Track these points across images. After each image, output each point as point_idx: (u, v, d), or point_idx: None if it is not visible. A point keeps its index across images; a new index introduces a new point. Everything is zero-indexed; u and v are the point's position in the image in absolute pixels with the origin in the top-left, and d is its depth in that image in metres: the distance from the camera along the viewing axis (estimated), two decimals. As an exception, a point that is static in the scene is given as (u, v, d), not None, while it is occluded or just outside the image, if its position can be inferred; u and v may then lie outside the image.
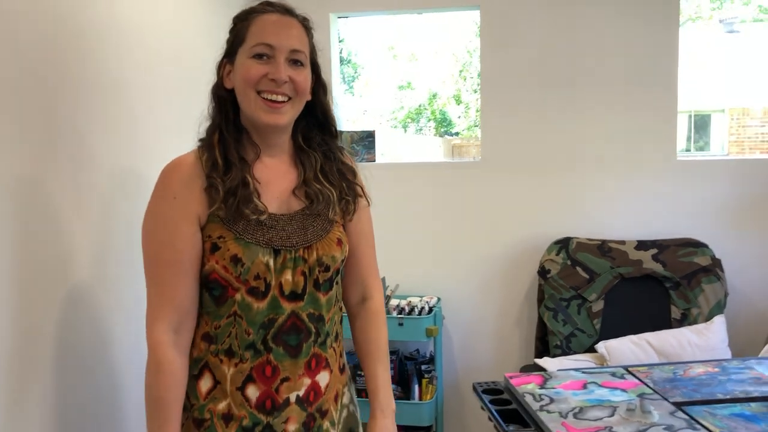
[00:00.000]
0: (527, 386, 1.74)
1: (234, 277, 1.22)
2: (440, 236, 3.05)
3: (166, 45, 2.11)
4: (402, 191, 3.03)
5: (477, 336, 3.07)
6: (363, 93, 16.06)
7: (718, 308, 2.64)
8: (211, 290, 1.25)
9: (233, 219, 1.23)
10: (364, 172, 1.46)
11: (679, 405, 1.59)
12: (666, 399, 1.63)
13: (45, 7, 1.54)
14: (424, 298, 2.96)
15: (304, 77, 1.29)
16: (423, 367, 2.89)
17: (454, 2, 3.06)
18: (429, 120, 16.07)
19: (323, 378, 1.30)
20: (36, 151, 1.51)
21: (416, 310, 2.85)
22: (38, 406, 1.51)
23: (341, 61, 4.23)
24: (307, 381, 1.27)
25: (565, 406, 1.60)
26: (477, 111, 13.72)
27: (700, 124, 13.27)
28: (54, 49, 1.58)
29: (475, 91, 14.38)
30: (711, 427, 1.47)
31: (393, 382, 2.63)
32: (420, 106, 15.97)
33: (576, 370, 1.92)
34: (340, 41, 3.43)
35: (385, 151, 8.35)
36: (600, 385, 1.73)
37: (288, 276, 1.25)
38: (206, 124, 1.33)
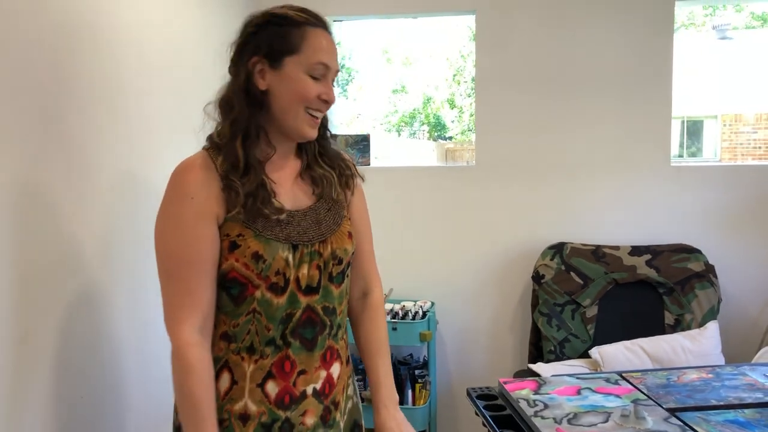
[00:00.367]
0: (521, 392, 1.73)
1: (255, 274, 1.23)
2: (434, 240, 3.05)
3: (162, 46, 2.11)
4: (396, 195, 3.03)
5: (471, 341, 3.07)
6: (357, 97, 16.06)
7: (712, 314, 2.64)
8: (229, 289, 1.26)
9: (252, 217, 1.24)
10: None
11: (672, 411, 1.59)
12: (660, 405, 1.62)
13: (46, 11, 1.53)
14: (417, 303, 2.95)
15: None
16: (416, 372, 2.88)
17: (449, 7, 3.07)
18: (423, 124, 16.08)
19: (336, 370, 1.34)
20: (35, 154, 1.51)
21: (410, 315, 2.84)
22: (39, 407, 1.52)
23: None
24: (323, 373, 1.30)
25: (559, 411, 1.60)
26: (471, 115, 13.75)
27: (693, 130, 13.32)
28: (53, 50, 1.58)
29: (469, 96, 14.39)
30: (705, 434, 1.47)
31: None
32: (414, 110, 15.98)
33: (570, 375, 1.91)
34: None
35: (378, 155, 8.36)
36: (594, 391, 1.73)
37: (305, 270, 1.27)
38: (219, 122, 1.30)
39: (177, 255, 1.22)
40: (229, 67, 1.31)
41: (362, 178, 1.45)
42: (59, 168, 1.60)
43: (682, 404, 1.64)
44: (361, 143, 3.11)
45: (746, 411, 1.59)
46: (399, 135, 15.86)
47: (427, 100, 15.79)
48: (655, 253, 2.76)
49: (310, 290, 1.28)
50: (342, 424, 1.36)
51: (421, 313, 2.87)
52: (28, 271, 1.47)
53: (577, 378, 1.86)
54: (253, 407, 1.25)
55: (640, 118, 2.88)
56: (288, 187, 1.32)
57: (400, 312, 2.85)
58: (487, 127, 3.00)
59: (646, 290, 2.70)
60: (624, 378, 1.84)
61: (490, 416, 1.65)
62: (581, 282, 2.73)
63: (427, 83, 15.77)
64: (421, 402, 2.83)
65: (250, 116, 1.26)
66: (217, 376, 1.26)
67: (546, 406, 1.63)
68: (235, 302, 1.26)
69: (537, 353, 2.78)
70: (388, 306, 2.88)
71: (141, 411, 1.95)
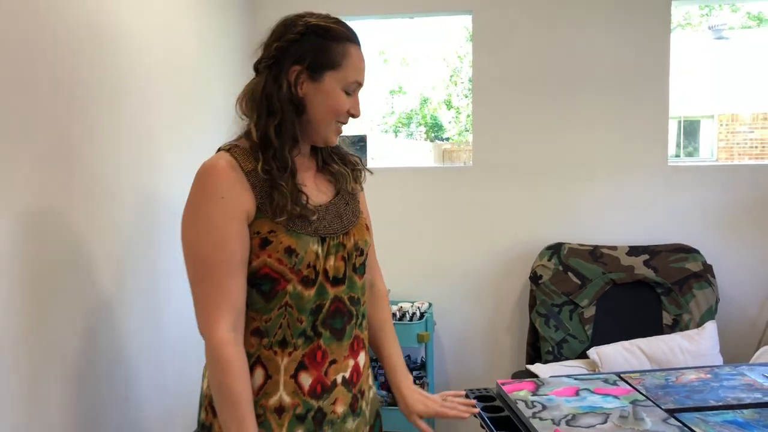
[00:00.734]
0: (519, 393, 1.72)
1: (288, 269, 1.26)
2: (431, 241, 3.04)
3: (163, 47, 2.10)
4: (393, 196, 3.02)
5: (468, 342, 3.06)
6: (354, 97, 16.02)
7: (710, 314, 2.64)
8: (259, 286, 1.28)
9: (292, 219, 1.27)
10: None
11: (671, 412, 1.58)
12: (658, 406, 1.62)
13: (46, 11, 1.53)
14: (415, 304, 2.95)
15: None
16: (414, 373, 2.87)
17: (446, 7, 3.06)
18: (420, 125, 16.08)
19: (362, 359, 1.39)
20: (31, 158, 1.52)
21: (407, 316, 2.83)
22: (56, 408, 1.56)
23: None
24: (351, 362, 1.35)
25: (557, 413, 1.59)
26: (468, 116, 13.75)
27: (690, 130, 13.34)
28: (53, 51, 1.58)
29: (466, 96, 14.40)
30: (704, 435, 1.46)
31: (383, 389, 2.63)
32: (411, 110, 15.98)
33: (568, 376, 1.91)
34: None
35: (375, 156, 8.35)
36: (592, 392, 1.72)
37: (332, 262, 1.31)
38: (252, 121, 1.29)
39: (211, 256, 1.23)
40: (261, 67, 1.31)
41: (371, 172, 1.51)
42: (59, 168, 1.61)
43: (681, 405, 1.63)
44: (358, 144, 3.10)
45: (745, 411, 1.59)
46: (396, 136, 15.86)
47: (424, 100, 15.80)
48: (652, 253, 2.76)
49: (337, 281, 1.32)
50: (367, 414, 1.41)
51: (418, 314, 2.86)
52: (43, 279, 1.53)
53: (576, 379, 1.85)
54: (287, 399, 1.28)
55: (637, 118, 2.88)
56: (311, 184, 1.37)
57: (397, 313, 2.84)
58: (484, 127, 2.99)
59: (643, 290, 2.70)
60: (622, 379, 1.83)
61: (488, 417, 1.64)
62: (579, 282, 2.72)
63: (424, 84, 15.78)
64: (419, 403, 2.82)
65: (295, 123, 1.29)
66: (251, 373, 1.28)
67: (544, 408, 1.63)
68: (265, 298, 1.28)
69: (535, 354, 2.78)
70: (386, 307, 2.87)
71: (154, 411, 1.98)
